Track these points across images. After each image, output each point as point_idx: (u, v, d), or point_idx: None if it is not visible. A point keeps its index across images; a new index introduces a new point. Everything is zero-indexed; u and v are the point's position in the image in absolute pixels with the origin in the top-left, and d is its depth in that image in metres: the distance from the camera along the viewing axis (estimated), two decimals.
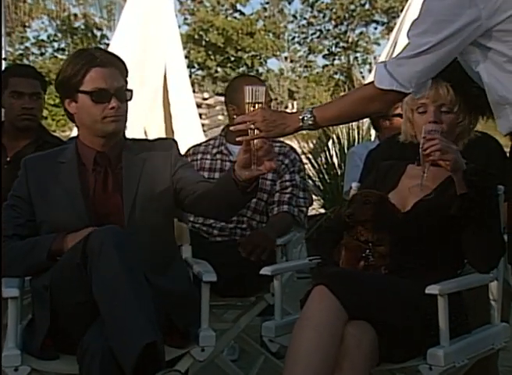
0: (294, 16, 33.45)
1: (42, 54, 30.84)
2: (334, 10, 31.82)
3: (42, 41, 30.87)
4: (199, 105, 11.31)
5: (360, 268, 2.31)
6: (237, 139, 2.19)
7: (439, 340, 2.12)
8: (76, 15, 29.39)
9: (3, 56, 3.14)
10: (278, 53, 32.57)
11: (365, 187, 2.56)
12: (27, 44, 30.53)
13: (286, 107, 25.30)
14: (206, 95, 14.91)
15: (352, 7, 31.63)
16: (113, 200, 2.41)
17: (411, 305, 2.16)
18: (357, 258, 2.32)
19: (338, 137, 5.93)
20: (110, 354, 2.02)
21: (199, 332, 2.32)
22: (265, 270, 2.45)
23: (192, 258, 2.67)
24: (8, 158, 3.35)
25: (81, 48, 25.72)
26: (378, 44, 31.99)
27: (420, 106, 2.40)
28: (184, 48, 11.68)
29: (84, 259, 2.12)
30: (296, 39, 33.70)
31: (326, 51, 33.21)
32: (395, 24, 8.90)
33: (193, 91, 9.38)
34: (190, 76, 23.41)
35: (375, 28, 32.81)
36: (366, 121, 6.10)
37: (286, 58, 33.19)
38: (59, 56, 28.77)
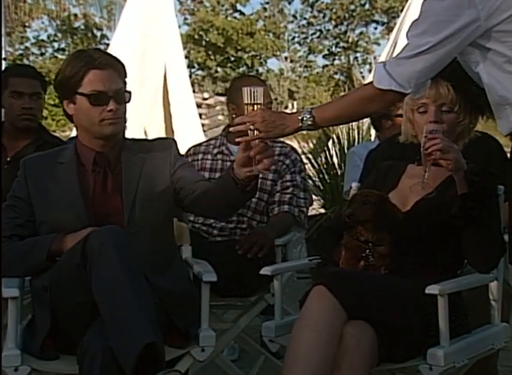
0: (294, 16, 33.49)
1: (42, 54, 30.86)
2: (334, 10, 31.83)
3: (42, 41, 30.89)
4: (199, 105, 11.31)
5: (360, 268, 2.31)
6: (237, 140, 2.19)
7: (439, 340, 2.12)
8: (76, 15, 29.41)
9: (3, 56, 3.14)
10: (278, 53, 32.59)
11: (365, 187, 2.56)
12: (27, 44, 30.57)
13: (286, 107, 25.32)
14: (206, 95, 14.93)
15: (352, 7, 31.64)
16: (113, 200, 2.41)
17: (411, 305, 2.15)
18: (357, 258, 2.32)
19: (338, 137, 5.93)
20: (110, 354, 2.02)
21: (199, 332, 2.32)
22: (265, 270, 2.45)
23: (192, 258, 2.67)
24: (8, 159, 3.35)
25: (81, 48, 25.79)
26: (378, 44, 32.03)
27: (420, 106, 2.40)
28: (184, 48, 11.68)
29: (84, 260, 2.12)
30: (296, 39, 33.74)
31: (326, 51, 33.24)
32: (395, 24, 8.90)
33: (193, 91, 9.38)
34: (190, 76, 23.42)
35: (375, 28, 32.86)
36: (366, 121, 6.10)
37: (286, 58, 33.21)
38: (59, 56, 28.78)
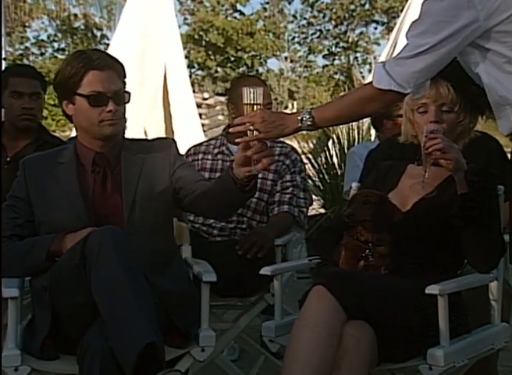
0: (294, 16, 33.51)
1: (42, 54, 30.88)
2: (334, 10, 31.84)
3: (42, 41, 30.90)
4: (199, 105, 11.31)
5: (360, 268, 2.31)
6: (236, 140, 2.20)
7: (439, 340, 2.12)
8: (76, 15, 29.43)
9: (3, 56, 3.14)
10: (278, 53, 32.60)
11: (365, 187, 2.56)
12: (27, 44, 30.58)
13: (286, 107, 25.33)
14: (206, 95, 14.92)
15: (352, 7, 31.66)
16: (112, 200, 2.41)
17: (411, 305, 2.15)
18: (356, 258, 2.32)
19: (338, 137, 5.93)
20: (110, 354, 2.02)
21: (199, 332, 2.32)
22: (265, 270, 2.45)
23: (192, 258, 2.67)
24: (8, 159, 3.34)
25: (81, 48, 25.81)
26: (378, 44, 32.04)
27: (420, 106, 2.40)
28: (184, 48, 11.68)
29: (83, 260, 2.12)
30: (296, 39, 33.76)
31: (326, 51, 33.25)
32: (395, 24, 8.90)
33: (193, 91, 9.38)
34: (190, 76, 23.42)
35: (375, 28, 32.88)
36: (366, 121, 6.10)
37: (286, 58, 33.22)
38: (59, 56, 28.78)
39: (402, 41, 6.98)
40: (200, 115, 10.61)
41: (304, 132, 2.33)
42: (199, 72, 31.36)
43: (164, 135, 6.88)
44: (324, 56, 33.44)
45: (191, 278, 2.53)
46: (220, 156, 3.34)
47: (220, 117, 13.16)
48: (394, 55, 2.09)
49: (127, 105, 2.48)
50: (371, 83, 2.04)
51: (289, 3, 33.32)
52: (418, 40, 1.95)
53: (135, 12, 6.98)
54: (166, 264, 2.42)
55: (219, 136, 3.45)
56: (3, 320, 2.23)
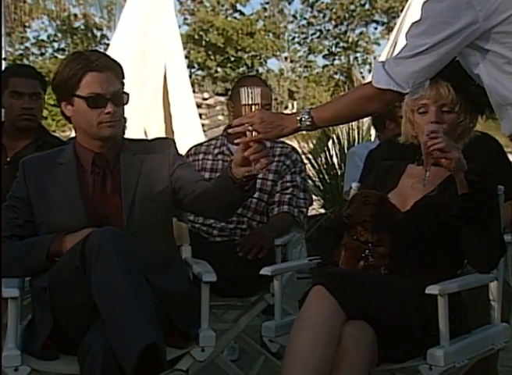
0: (294, 16, 33.50)
1: (42, 54, 30.87)
2: (334, 10, 31.84)
3: (42, 41, 30.90)
4: (199, 105, 11.31)
5: (360, 268, 2.31)
6: (235, 141, 2.20)
7: (439, 340, 2.12)
8: (76, 15, 29.42)
9: (3, 56, 3.14)
10: (278, 53, 32.60)
11: (365, 187, 2.56)
12: (27, 45, 30.57)
13: (286, 107, 25.33)
14: (206, 95, 14.93)
15: (352, 7, 31.65)
16: (112, 201, 2.41)
17: (411, 305, 2.15)
18: (356, 258, 2.32)
19: (338, 138, 5.94)
20: (111, 354, 2.01)
21: (199, 332, 2.32)
22: (265, 270, 2.45)
23: (192, 259, 2.67)
24: (8, 159, 3.35)
25: (81, 48, 25.81)
26: (378, 44, 32.04)
27: (421, 107, 2.40)
28: (184, 48, 11.68)
29: (83, 261, 2.11)
30: (296, 39, 33.75)
31: (326, 52, 33.25)
32: (395, 24, 8.90)
33: (193, 91, 9.38)
34: (190, 76, 23.43)
35: (375, 28, 32.87)
36: (366, 121, 6.11)
37: (286, 58, 33.22)
38: (59, 56, 28.78)
39: (402, 41, 6.99)
40: (200, 115, 10.62)
41: (304, 132, 2.34)
42: (199, 72, 31.37)
43: (164, 135, 6.88)
44: (324, 56, 33.44)
45: (191, 278, 2.53)
46: (221, 156, 3.34)
47: (220, 117, 13.16)
48: (394, 55, 2.09)
49: (127, 106, 2.48)
50: (370, 82, 2.04)
51: (289, 3, 33.34)
52: (418, 40, 1.95)
53: (135, 12, 6.99)
54: (166, 264, 2.42)
55: (220, 136, 3.45)
56: (3, 320, 2.23)
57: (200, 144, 3.49)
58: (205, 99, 14.07)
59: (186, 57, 24.60)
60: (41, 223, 2.41)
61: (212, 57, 30.62)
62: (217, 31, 30.00)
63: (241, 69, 31.08)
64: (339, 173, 5.77)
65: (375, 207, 2.31)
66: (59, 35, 30.58)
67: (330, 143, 6.03)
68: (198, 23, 30.56)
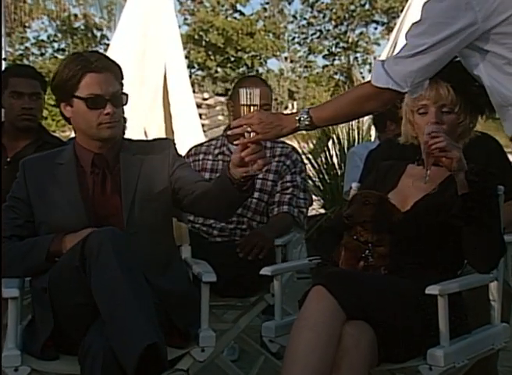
0: (294, 17, 33.51)
1: (42, 54, 30.87)
2: (334, 10, 31.84)
3: (42, 41, 30.90)
4: (199, 106, 11.31)
5: (360, 268, 2.31)
6: (235, 142, 2.20)
7: (439, 340, 2.12)
8: (76, 15, 29.42)
9: (3, 56, 3.14)
10: (278, 53, 32.60)
11: (365, 187, 2.56)
12: (27, 45, 30.57)
13: (286, 107, 25.34)
14: (206, 95, 14.93)
15: (352, 7, 31.65)
16: (112, 201, 2.41)
17: (411, 305, 2.15)
18: (356, 258, 2.32)
19: (338, 138, 5.94)
20: (112, 354, 2.01)
21: (199, 332, 2.32)
22: (265, 270, 2.45)
23: (191, 259, 2.67)
24: (8, 159, 3.34)
25: (81, 48, 25.79)
26: (378, 45, 32.04)
27: (421, 107, 2.40)
28: (184, 48, 11.68)
29: (83, 261, 2.11)
30: (296, 39, 33.76)
31: (326, 52, 33.25)
32: (395, 24, 8.90)
33: (193, 91, 9.38)
34: (190, 76, 23.43)
35: (375, 28, 32.88)
36: (366, 121, 6.12)
37: (286, 58, 33.22)
38: (59, 56, 28.78)
39: (402, 41, 6.98)
40: (200, 115, 10.62)
41: (304, 132, 2.34)
42: (199, 72, 31.37)
43: (164, 135, 6.88)
44: (324, 56, 33.45)
45: (191, 278, 2.53)
46: (221, 157, 3.34)
47: (220, 117, 13.16)
48: (394, 54, 2.09)
49: (127, 106, 2.48)
50: (369, 82, 2.04)
51: (289, 3, 33.34)
52: (417, 40, 1.95)
53: (135, 12, 6.98)
54: (166, 264, 2.43)
55: (220, 136, 3.44)
56: (3, 320, 2.23)
57: (201, 145, 3.49)
58: (205, 99, 14.08)
59: (186, 57, 24.60)
60: (41, 223, 2.41)
61: (212, 57, 30.63)
62: (217, 31, 30.01)
63: (241, 69, 31.09)
64: (339, 173, 5.77)
65: (375, 207, 2.32)
66: (59, 35, 30.58)
67: (330, 143, 6.03)
68: (198, 23, 30.57)
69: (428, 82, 2.13)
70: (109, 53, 6.52)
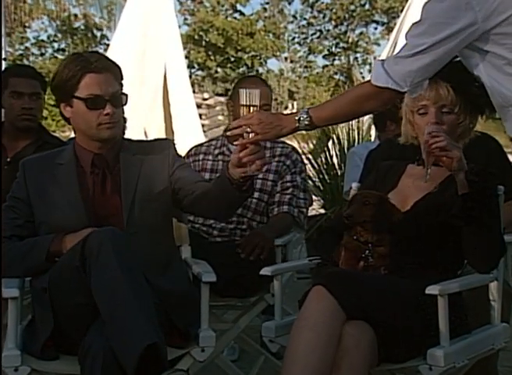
0: (294, 17, 33.51)
1: (42, 54, 30.88)
2: (334, 10, 31.85)
3: (42, 41, 30.91)
4: (199, 106, 11.31)
5: (360, 268, 2.31)
6: (235, 143, 2.20)
7: (439, 340, 2.12)
8: (76, 15, 29.43)
9: (3, 56, 3.14)
10: (278, 53, 32.60)
11: (365, 187, 2.56)
12: (27, 45, 30.58)
13: (286, 107, 25.35)
14: (206, 96, 14.94)
15: (352, 7, 31.66)
16: (112, 201, 2.41)
17: (411, 305, 2.16)
18: (356, 258, 2.32)
19: (338, 138, 5.94)
20: (112, 354, 2.01)
21: (199, 332, 2.32)
22: (265, 271, 2.45)
23: (191, 259, 2.67)
24: (8, 159, 3.34)
25: (81, 48, 25.78)
26: (378, 45, 32.04)
27: (421, 108, 2.40)
28: (184, 48, 11.68)
29: (83, 261, 2.11)
30: (296, 39, 33.76)
31: (326, 52, 33.25)
32: (395, 24, 8.90)
33: (193, 92, 9.38)
34: (190, 76, 23.43)
35: (375, 28, 32.89)
36: (366, 121, 6.12)
37: (286, 58, 33.23)
38: (59, 57, 28.78)
39: (402, 42, 6.96)
40: (200, 115, 10.62)
41: (304, 132, 2.34)
42: (199, 72, 31.37)
43: (164, 135, 6.89)
44: (324, 56, 33.45)
45: (191, 278, 2.53)
46: (221, 157, 3.34)
47: (220, 117, 13.17)
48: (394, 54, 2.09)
49: (127, 106, 2.48)
50: (368, 81, 2.05)
51: (289, 3, 33.34)
52: (417, 40, 1.95)
53: (135, 12, 6.99)
54: (166, 264, 2.43)
55: (220, 136, 3.44)
56: (3, 320, 2.23)
57: (201, 145, 3.49)
58: (205, 99, 14.08)
59: (186, 57, 24.60)
60: (41, 223, 2.41)
61: (212, 57, 30.63)
62: (217, 31, 30.01)
63: (241, 69, 31.09)
64: (339, 173, 5.77)
65: (375, 207, 2.32)
66: (59, 35, 30.59)
67: (330, 143, 6.03)
68: (198, 24, 30.57)
69: (428, 82, 2.13)
70: (109, 53, 6.53)
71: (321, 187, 5.90)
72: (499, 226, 2.33)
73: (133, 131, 4.66)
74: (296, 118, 2.11)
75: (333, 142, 5.97)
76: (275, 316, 2.44)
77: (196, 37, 30.44)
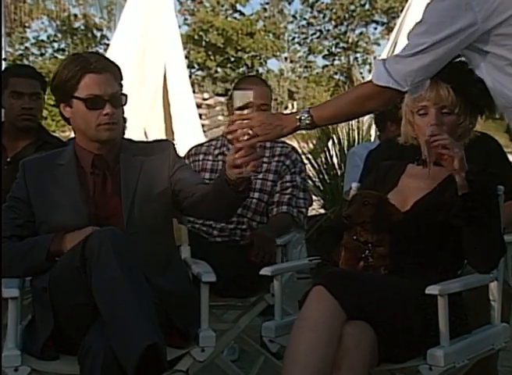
0: (294, 17, 33.53)
1: (42, 54, 30.89)
2: (334, 10, 31.86)
3: (42, 41, 30.92)
4: (199, 106, 11.32)
5: (360, 268, 2.31)
6: (236, 145, 2.19)
7: (439, 340, 2.12)
8: (76, 15, 29.45)
9: (3, 56, 3.14)
10: (278, 53, 32.62)
11: (365, 187, 2.56)
12: (27, 45, 30.60)
13: (286, 107, 25.36)
14: (206, 96, 14.94)
15: (352, 7, 31.68)
16: (112, 202, 2.41)
17: (411, 305, 2.15)
18: (356, 258, 2.32)
19: (338, 138, 5.94)
20: (112, 354, 2.01)
21: (199, 332, 2.32)
22: (265, 271, 2.45)
23: (191, 259, 2.67)
24: (8, 159, 3.34)
25: (81, 48, 25.78)
26: (378, 45, 32.06)
27: (421, 108, 2.40)
28: (184, 48, 11.69)
29: (83, 261, 2.12)
30: (296, 39, 33.78)
31: (326, 52, 33.27)
32: (395, 24, 8.91)
33: (193, 92, 9.39)
34: (190, 76, 23.42)
35: (375, 28, 32.91)
36: (366, 121, 6.12)
37: (285, 58, 33.24)
38: (59, 57, 28.79)
39: (402, 41, 7.01)
40: (200, 115, 10.62)
41: (304, 132, 2.34)
42: (199, 72, 31.38)
43: (164, 135, 6.89)
44: (324, 56, 33.47)
45: (191, 278, 2.53)
46: (221, 157, 3.34)
47: (220, 117, 13.16)
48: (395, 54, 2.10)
49: (127, 106, 2.48)
50: (370, 81, 2.05)
51: (289, 3, 33.36)
52: (418, 39, 1.96)
53: (135, 12, 7.00)
54: (166, 264, 2.43)
55: (220, 137, 3.44)
56: (3, 320, 2.23)
57: (201, 145, 3.49)
58: (205, 99, 14.08)
59: (186, 57, 24.58)
60: (42, 223, 2.41)
61: (212, 57, 30.64)
62: (217, 31, 30.02)
63: (241, 69, 31.10)
64: (339, 173, 5.77)
65: (375, 208, 2.31)
66: (59, 35, 30.60)
67: (330, 143, 6.03)
68: (198, 24, 30.58)
69: (429, 82, 2.13)
70: (109, 53, 6.53)
71: (321, 187, 5.90)
72: (499, 226, 2.33)
73: (133, 131, 4.66)
74: (297, 117, 2.11)
75: (333, 142, 5.97)
76: (275, 316, 2.44)
77: (196, 37, 30.45)
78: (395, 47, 7.39)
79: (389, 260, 2.31)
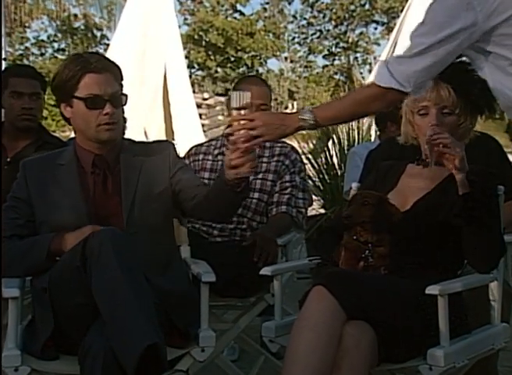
0: (294, 17, 33.55)
1: (42, 54, 30.90)
2: (334, 10, 31.87)
3: (42, 41, 30.93)
4: (199, 106, 11.32)
5: (360, 268, 2.31)
6: (238, 146, 2.19)
7: (439, 340, 2.12)
8: (76, 15, 29.46)
9: (3, 56, 3.14)
10: (278, 53, 32.63)
11: (365, 187, 2.56)
12: (27, 45, 30.61)
13: (286, 107, 25.37)
14: (206, 95, 14.92)
15: (352, 7, 31.69)
16: (113, 202, 2.42)
17: (411, 305, 2.15)
18: (356, 258, 2.32)
19: (338, 138, 5.94)
20: (112, 354, 2.01)
21: (199, 332, 2.32)
22: (265, 270, 2.45)
23: (191, 259, 2.67)
24: (8, 159, 3.34)
25: (81, 48, 25.79)
26: (378, 45, 32.08)
27: (421, 109, 2.40)
28: (184, 48, 11.69)
29: (83, 261, 2.12)
30: (296, 39, 33.80)
31: (326, 52, 33.29)
32: (395, 24, 8.90)
33: (193, 92, 9.39)
34: (190, 76, 23.43)
35: (375, 28, 32.93)
36: (366, 121, 6.12)
37: (286, 58, 33.26)
38: (59, 56, 28.81)
39: (402, 41, 7.01)
40: (200, 115, 10.62)
41: (304, 132, 2.35)
42: (199, 72, 31.39)
43: (164, 135, 6.90)
44: (324, 56, 33.48)
45: (191, 278, 2.53)
46: (220, 157, 3.33)
47: (220, 117, 13.15)
48: (396, 54, 2.10)
49: (127, 106, 2.49)
50: (373, 83, 2.05)
51: (289, 3, 33.38)
52: (419, 39, 1.96)
53: (135, 12, 7.00)
54: (166, 264, 2.43)
55: (220, 136, 3.44)
56: (3, 320, 2.23)
57: (201, 145, 3.49)
58: (205, 99, 14.07)
59: (186, 57, 24.60)
60: (42, 223, 2.41)
61: (212, 57, 30.65)
62: (217, 31, 30.03)
63: (241, 69, 31.11)
64: (339, 173, 5.77)
65: (374, 208, 2.31)
66: (59, 35, 30.61)
67: (330, 143, 6.03)
68: (198, 23, 30.59)
69: (431, 82, 2.13)
70: (109, 53, 6.54)
71: (321, 187, 5.90)
72: (499, 226, 2.33)
73: (133, 131, 4.65)
74: (300, 117, 2.11)
75: (333, 142, 5.97)
76: (275, 316, 2.44)
77: (196, 37, 30.46)
78: (395, 47, 7.38)
79: (389, 260, 2.31)
